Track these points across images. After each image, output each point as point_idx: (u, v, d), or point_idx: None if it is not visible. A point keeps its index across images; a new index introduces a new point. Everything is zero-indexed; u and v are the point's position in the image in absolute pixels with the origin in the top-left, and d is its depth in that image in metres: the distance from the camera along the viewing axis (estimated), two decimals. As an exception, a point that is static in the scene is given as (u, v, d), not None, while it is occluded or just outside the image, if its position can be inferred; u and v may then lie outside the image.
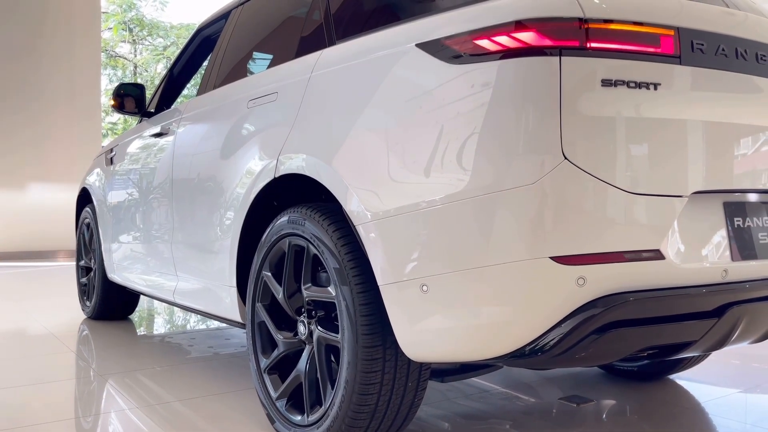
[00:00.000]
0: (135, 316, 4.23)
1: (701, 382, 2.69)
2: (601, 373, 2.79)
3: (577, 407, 2.34)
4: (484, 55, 1.42)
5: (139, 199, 3.17)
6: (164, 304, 4.86)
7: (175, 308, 4.71)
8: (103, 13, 12.76)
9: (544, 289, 1.36)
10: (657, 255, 1.40)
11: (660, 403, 2.39)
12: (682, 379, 2.68)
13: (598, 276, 1.36)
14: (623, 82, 1.38)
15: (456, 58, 1.47)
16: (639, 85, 1.39)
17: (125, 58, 18.54)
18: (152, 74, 18.27)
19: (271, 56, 2.53)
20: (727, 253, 1.52)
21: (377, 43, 1.73)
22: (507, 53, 1.39)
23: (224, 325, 3.94)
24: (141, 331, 3.94)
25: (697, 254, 1.47)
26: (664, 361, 2.58)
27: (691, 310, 1.47)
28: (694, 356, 2.55)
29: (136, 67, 18.50)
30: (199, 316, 4.33)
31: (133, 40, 18.70)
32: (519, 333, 1.39)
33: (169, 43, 18.58)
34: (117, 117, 17.92)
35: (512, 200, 1.36)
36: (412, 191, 1.52)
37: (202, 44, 3.22)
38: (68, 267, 7.63)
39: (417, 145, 1.52)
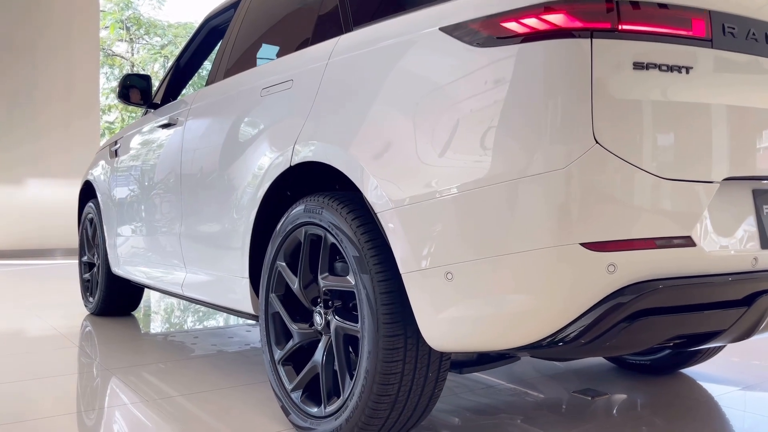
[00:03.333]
0: (137, 313, 4.19)
1: (714, 375, 2.67)
2: (611, 367, 2.77)
3: (592, 400, 2.32)
4: (511, 38, 1.40)
5: (146, 191, 3.13)
6: (166, 301, 4.83)
7: (178, 306, 4.67)
8: (100, 11, 12.69)
9: (574, 276, 1.33)
10: (688, 242, 1.37)
11: (673, 397, 2.37)
12: (694, 372, 2.67)
13: (629, 263, 1.34)
14: (655, 66, 1.36)
15: (482, 41, 1.45)
16: (671, 69, 1.37)
17: (122, 57, 18.46)
18: (149, 73, 18.19)
19: (283, 45, 2.50)
20: (757, 240, 1.50)
21: (398, 28, 1.70)
22: (536, 36, 1.36)
23: (227, 323, 3.91)
24: (144, 328, 3.91)
25: (726, 242, 1.45)
26: (677, 355, 2.56)
27: (721, 298, 1.45)
28: (707, 350, 2.53)
29: (133, 66, 18.43)
30: (201, 314, 4.30)
31: (130, 39, 18.63)
32: (547, 321, 1.37)
33: (166, 42, 18.51)
34: (114, 116, 17.84)
35: (542, 185, 1.33)
36: (436, 177, 1.49)
37: (210, 35, 3.18)
38: (66, 265, 7.57)
39: (441, 130, 1.50)
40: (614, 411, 2.25)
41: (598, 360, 2.88)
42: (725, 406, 2.32)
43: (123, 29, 18.13)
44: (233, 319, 4.02)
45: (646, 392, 2.43)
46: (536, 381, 2.59)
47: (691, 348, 1.70)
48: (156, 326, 4.05)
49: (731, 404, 2.34)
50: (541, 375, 2.67)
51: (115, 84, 17.86)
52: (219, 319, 4.08)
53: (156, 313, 4.46)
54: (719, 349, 2.57)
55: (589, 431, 2.02)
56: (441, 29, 1.54)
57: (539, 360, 2.87)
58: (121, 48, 18.65)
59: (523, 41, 1.38)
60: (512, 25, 1.40)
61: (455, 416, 2.15)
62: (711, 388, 2.52)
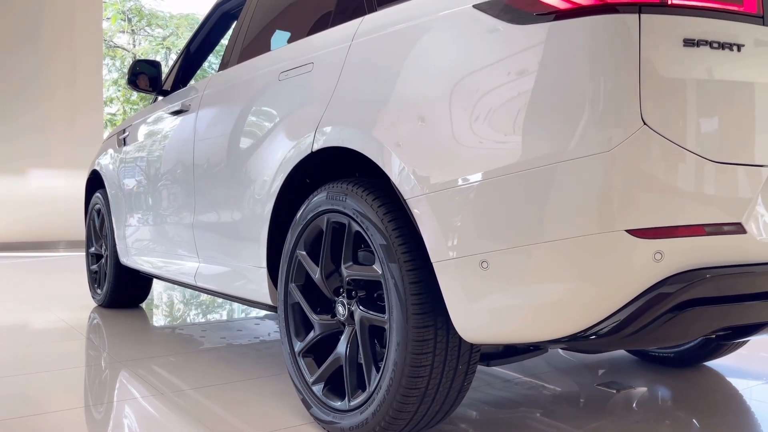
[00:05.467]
0: (144, 305, 4.14)
1: (738, 368, 2.61)
2: (633, 359, 2.71)
3: (617, 393, 2.27)
4: (552, 14, 1.33)
5: (157, 180, 3.07)
6: (173, 293, 4.77)
7: (185, 298, 4.62)
8: (102, 2, 12.61)
9: (619, 264, 1.27)
10: (738, 229, 1.31)
11: (697, 390, 2.32)
12: (718, 365, 2.61)
13: (676, 251, 1.27)
14: (706, 43, 1.29)
15: (520, 18, 1.38)
16: (722, 46, 1.30)
17: (124, 49, 18.36)
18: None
19: (301, 27, 2.43)
20: None
21: (427, 6, 1.63)
22: (580, 11, 1.29)
23: (234, 316, 3.86)
24: (152, 320, 3.85)
25: (777, 228, 1.38)
26: (701, 347, 2.50)
27: None
28: (733, 342, 2.47)
29: (135, 57, 18.33)
30: (208, 306, 4.24)
31: (132, 31, 18.53)
32: (590, 311, 1.30)
33: (168, 33, 18.42)
34: (116, 108, 17.76)
35: (586, 169, 1.26)
36: (470, 161, 1.43)
37: (221, 20, 3.11)
38: (71, 257, 7.53)
39: (475, 112, 1.43)
40: (635, 404, 2.20)
41: (620, 352, 2.82)
42: (750, 398, 2.28)
43: (125, 20, 18.03)
44: (241, 312, 3.97)
45: (670, 385, 2.38)
46: (554, 375, 2.54)
47: (735, 340, 1.64)
48: (164, 318, 4.00)
49: (756, 397, 2.29)
50: (558, 369, 2.62)
51: (116, 75, 17.78)
52: (226, 312, 4.03)
53: (163, 305, 4.40)
54: (745, 341, 2.52)
55: (610, 424, 1.97)
56: (475, 6, 1.47)
57: (553, 354, 2.82)
58: (122, 39, 18.56)
59: (565, 17, 1.31)
60: (553, 1, 1.33)
61: (474, 410, 2.10)
62: (736, 381, 2.47)
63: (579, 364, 2.69)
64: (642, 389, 2.36)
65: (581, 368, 2.62)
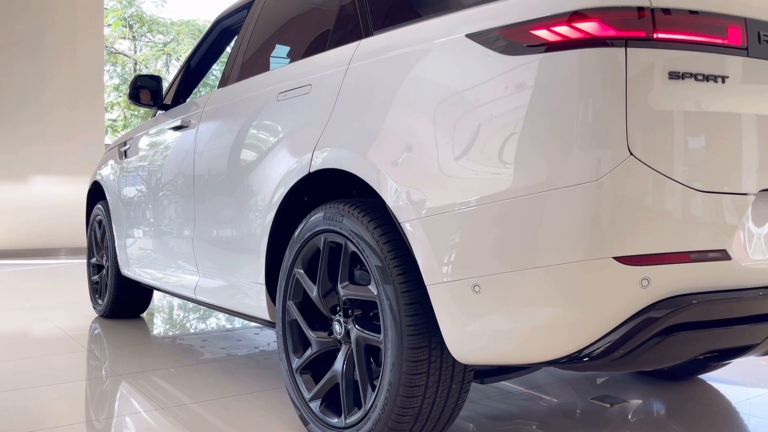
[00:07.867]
0: (145, 315, 4.17)
1: (731, 381, 2.64)
2: (628, 372, 2.74)
3: (610, 407, 2.30)
4: (542, 46, 1.36)
5: (158, 193, 3.11)
6: (174, 303, 4.80)
7: (185, 308, 4.65)
8: (104, 9, 12.67)
9: (607, 290, 1.30)
10: (723, 255, 1.35)
11: (691, 403, 2.35)
12: (712, 378, 2.64)
13: (663, 277, 1.31)
14: (691, 75, 1.33)
15: (511, 49, 1.41)
16: (707, 78, 1.34)
17: (125, 55, 18.43)
18: (152, 71, 18.19)
19: (299, 48, 2.47)
20: None
21: (422, 34, 1.67)
22: (568, 44, 1.33)
23: (235, 325, 3.89)
24: (152, 330, 3.88)
25: (762, 254, 1.42)
26: (695, 361, 2.52)
27: (756, 312, 1.42)
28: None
29: (136, 63, 18.40)
30: (208, 316, 4.27)
31: (133, 37, 18.60)
32: (579, 335, 1.34)
33: (169, 40, 18.49)
34: (116, 114, 17.82)
35: (574, 197, 1.30)
36: (463, 187, 1.46)
37: (221, 36, 3.15)
38: (72, 265, 7.55)
39: (468, 139, 1.46)
40: (630, 417, 2.23)
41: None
42: (743, 412, 2.30)
43: (126, 27, 18.10)
44: (241, 321, 4.00)
45: (664, 398, 2.41)
46: (552, 387, 2.57)
47: (722, 361, 1.67)
48: (164, 328, 4.03)
49: (749, 411, 2.32)
50: (557, 380, 2.64)
51: (117, 81, 17.85)
52: (226, 322, 4.06)
53: (164, 315, 4.43)
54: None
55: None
56: (468, 36, 1.51)
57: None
58: (123, 45, 18.64)
59: (554, 50, 1.34)
60: (543, 33, 1.37)
61: (470, 422, 2.13)
62: (729, 394, 2.50)
63: (577, 374, 2.71)
64: (637, 402, 2.39)
65: (579, 379, 2.65)
